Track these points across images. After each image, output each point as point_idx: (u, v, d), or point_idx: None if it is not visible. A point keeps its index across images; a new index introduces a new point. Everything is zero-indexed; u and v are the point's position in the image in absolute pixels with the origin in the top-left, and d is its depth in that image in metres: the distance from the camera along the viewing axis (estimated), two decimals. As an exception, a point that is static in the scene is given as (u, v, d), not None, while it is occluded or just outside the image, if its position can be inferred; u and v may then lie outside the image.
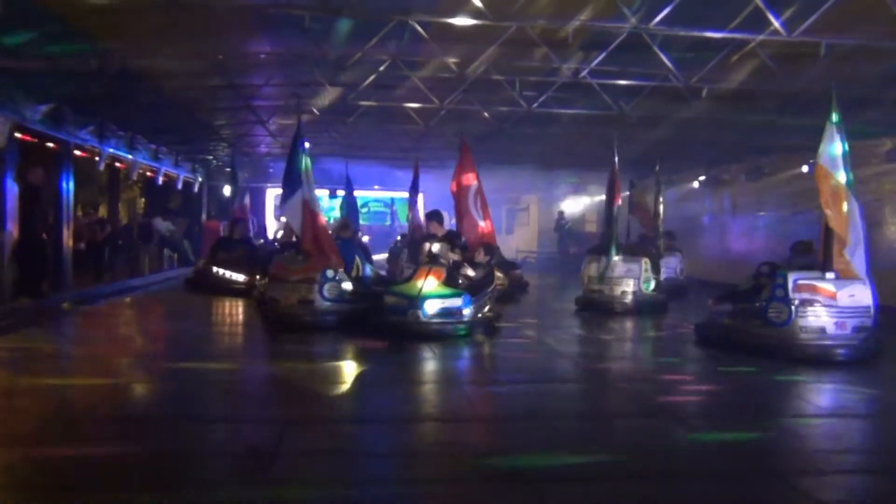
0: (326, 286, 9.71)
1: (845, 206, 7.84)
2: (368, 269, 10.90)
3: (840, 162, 7.92)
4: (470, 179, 10.93)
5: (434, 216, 11.30)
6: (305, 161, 9.89)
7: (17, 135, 11.20)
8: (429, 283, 9.27)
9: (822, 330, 7.93)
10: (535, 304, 14.70)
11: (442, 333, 8.99)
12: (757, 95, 11.82)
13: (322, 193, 19.11)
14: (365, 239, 16.99)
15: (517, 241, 28.62)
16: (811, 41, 8.78)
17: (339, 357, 8.48)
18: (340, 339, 9.15)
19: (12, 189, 11.00)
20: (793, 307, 8.01)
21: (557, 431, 5.37)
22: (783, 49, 9.42)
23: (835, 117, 8.04)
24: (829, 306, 7.92)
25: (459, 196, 10.99)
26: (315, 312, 9.66)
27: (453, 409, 6.24)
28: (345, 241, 10.74)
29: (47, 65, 10.45)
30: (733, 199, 20.21)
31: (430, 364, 8.08)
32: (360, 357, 8.32)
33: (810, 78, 10.39)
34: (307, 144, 10.17)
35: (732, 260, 18.78)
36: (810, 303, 7.97)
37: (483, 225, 10.98)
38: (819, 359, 7.80)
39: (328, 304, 9.68)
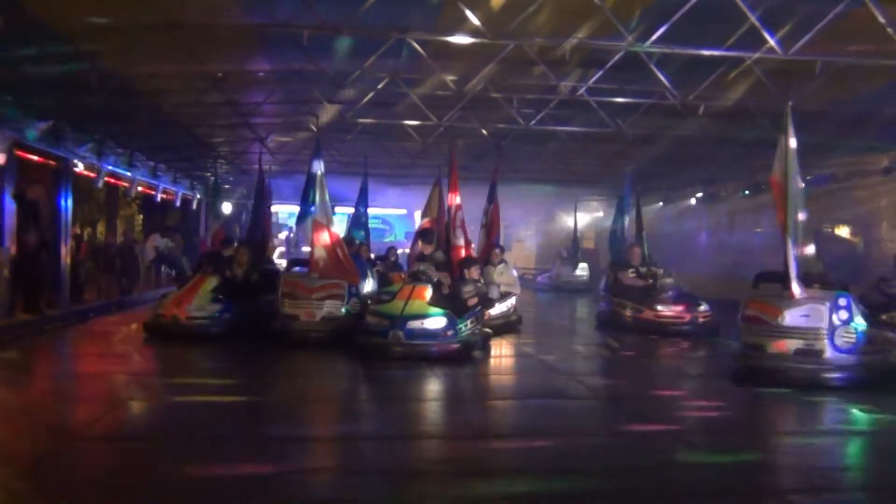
0: (350, 302, 9.87)
1: (789, 220, 7.61)
2: (374, 284, 10.95)
3: (790, 175, 7.66)
4: (455, 199, 10.97)
5: (423, 235, 11.17)
6: (320, 179, 10.16)
7: (16, 152, 11.23)
8: (411, 303, 8.85)
9: (760, 348, 7.61)
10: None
11: (423, 355, 8.54)
12: (753, 112, 11.89)
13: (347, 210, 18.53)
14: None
15: (514, 260, 28.58)
16: (806, 59, 8.84)
17: (332, 374, 8.46)
18: (336, 356, 9.10)
19: (10, 206, 11.01)
20: (741, 324, 7.92)
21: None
22: (779, 67, 9.48)
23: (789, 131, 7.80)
24: (768, 325, 7.54)
25: (445, 215, 11.07)
26: (340, 328, 9.64)
27: (452, 427, 6.22)
28: (353, 256, 10.77)
29: (47, 82, 10.51)
30: (730, 216, 20.26)
31: (424, 383, 7.98)
32: (354, 374, 8.31)
33: (806, 95, 10.47)
34: (321, 164, 10.45)
35: (729, 276, 18.77)
36: (755, 321, 7.71)
37: (461, 244, 10.91)
38: (762, 379, 7.41)
39: (352, 319, 9.72)
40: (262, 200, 13.07)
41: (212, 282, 10.23)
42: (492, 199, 12.86)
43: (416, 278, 9.38)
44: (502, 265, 11.95)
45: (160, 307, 10.12)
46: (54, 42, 8.97)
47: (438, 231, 11.19)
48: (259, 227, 12.67)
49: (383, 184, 22.83)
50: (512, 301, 11.63)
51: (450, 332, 8.70)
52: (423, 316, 8.72)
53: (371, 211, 26.26)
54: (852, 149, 13.67)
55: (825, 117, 11.77)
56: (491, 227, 12.67)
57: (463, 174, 18.33)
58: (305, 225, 10.36)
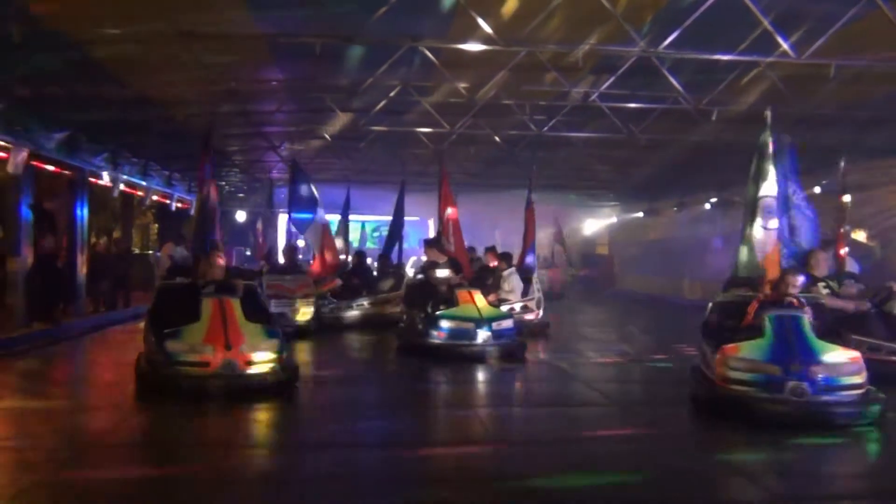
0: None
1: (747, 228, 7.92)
2: None
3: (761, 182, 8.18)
4: (446, 209, 11.13)
5: (433, 243, 11.26)
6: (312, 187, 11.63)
7: (33, 162, 11.33)
8: (483, 305, 9.22)
9: None
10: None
11: (502, 354, 9.00)
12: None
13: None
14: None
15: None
16: (821, 63, 8.78)
17: (347, 378, 8.47)
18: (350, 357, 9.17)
19: (27, 216, 11.11)
20: None
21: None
22: (793, 71, 9.42)
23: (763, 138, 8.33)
24: None
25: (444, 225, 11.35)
26: (313, 322, 11.17)
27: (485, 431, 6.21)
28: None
29: (62, 93, 10.60)
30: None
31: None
32: (378, 378, 8.35)
33: (820, 100, 10.40)
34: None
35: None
36: None
37: (452, 252, 11.03)
38: None
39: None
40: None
41: (237, 306, 7.06)
42: (527, 204, 13.48)
43: (461, 284, 9.69)
44: (505, 272, 12.06)
45: (185, 352, 6.63)
46: (69, 54, 9.05)
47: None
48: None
49: (396, 191, 22.88)
50: (517, 307, 11.82)
51: (515, 331, 9.26)
52: (500, 317, 9.22)
53: (387, 218, 26.51)
54: (868, 153, 13.55)
55: (840, 121, 11.70)
56: (526, 231, 13.28)
57: (475, 181, 18.44)
58: (315, 228, 11.99)
